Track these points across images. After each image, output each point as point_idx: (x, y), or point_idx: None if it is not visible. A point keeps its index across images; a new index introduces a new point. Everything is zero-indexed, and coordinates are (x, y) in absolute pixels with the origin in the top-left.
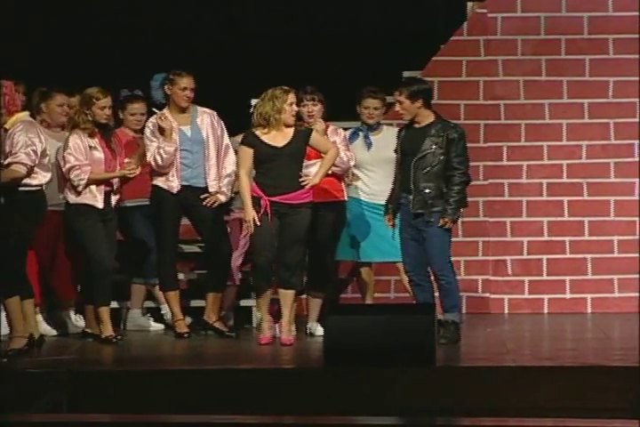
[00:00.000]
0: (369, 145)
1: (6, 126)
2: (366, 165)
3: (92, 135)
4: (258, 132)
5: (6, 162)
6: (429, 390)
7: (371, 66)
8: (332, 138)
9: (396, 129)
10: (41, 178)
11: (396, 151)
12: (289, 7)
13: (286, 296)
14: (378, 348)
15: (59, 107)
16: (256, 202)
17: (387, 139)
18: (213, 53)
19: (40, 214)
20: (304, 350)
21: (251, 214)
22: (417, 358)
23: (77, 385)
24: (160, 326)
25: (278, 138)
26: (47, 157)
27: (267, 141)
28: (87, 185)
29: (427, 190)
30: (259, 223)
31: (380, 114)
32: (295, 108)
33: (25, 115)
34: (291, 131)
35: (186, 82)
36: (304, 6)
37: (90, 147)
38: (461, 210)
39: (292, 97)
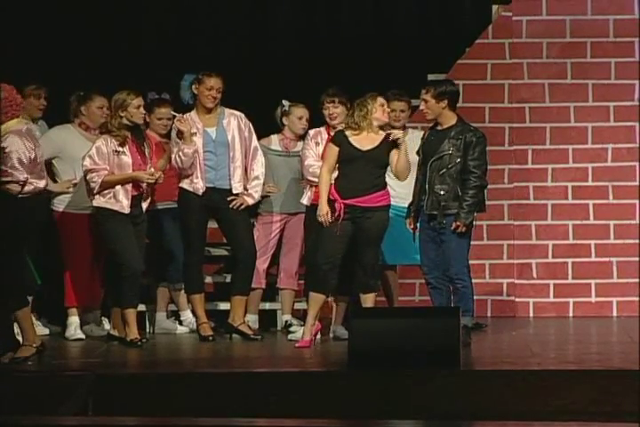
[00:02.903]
0: None
1: None
2: None
3: (123, 143)
4: (348, 133)
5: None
6: (454, 394)
7: (396, 68)
8: None
9: (422, 132)
10: (35, 186)
11: (418, 153)
12: (315, 9)
13: (366, 300)
14: (402, 351)
15: (98, 109)
16: (330, 205)
17: (413, 142)
18: (240, 55)
19: (36, 221)
20: (328, 354)
21: (325, 209)
22: (441, 361)
23: (103, 388)
24: (185, 329)
25: (365, 141)
26: (39, 165)
27: (353, 142)
28: (103, 188)
29: (441, 192)
30: (327, 224)
31: (406, 116)
32: (387, 108)
33: (16, 122)
34: (380, 137)
35: (213, 82)
36: (330, 8)
37: (116, 152)
38: (475, 214)
39: (380, 100)
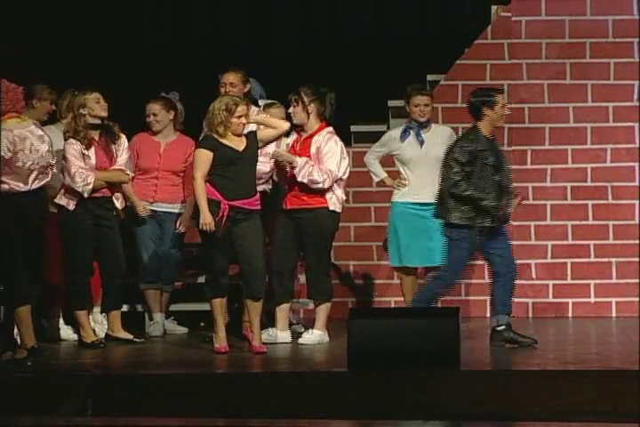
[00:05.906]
0: (421, 142)
1: None
2: (417, 162)
3: (88, 146)
4: (215, 136)
5: None
6: (454, 394)
7: (396, 68)
8: (315, 145)
9: (445, 128)
10: (10, 186)
11: (459, 162)
12: (315, 9)
13: (253, 306)
14: (402, 351)
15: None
16: (215, 206)
17: (436, 136)
18: (240, 55)
19: (23, 221)
20: (328, 354)
21: (208, 218)
22: (441, 361)
23: (102, 388)
24: (184, 330)
25: (237, 143)
26: (22, 169)
27: (229, 145)
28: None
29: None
30: (211, 231)
31: (430, 111)
32: (244, 120)
33: (15, 122)
34: (244, 138)
35: (224, 78)
36: (330, 8)
37: (83, 155)
38: None
39: (240, 110)
